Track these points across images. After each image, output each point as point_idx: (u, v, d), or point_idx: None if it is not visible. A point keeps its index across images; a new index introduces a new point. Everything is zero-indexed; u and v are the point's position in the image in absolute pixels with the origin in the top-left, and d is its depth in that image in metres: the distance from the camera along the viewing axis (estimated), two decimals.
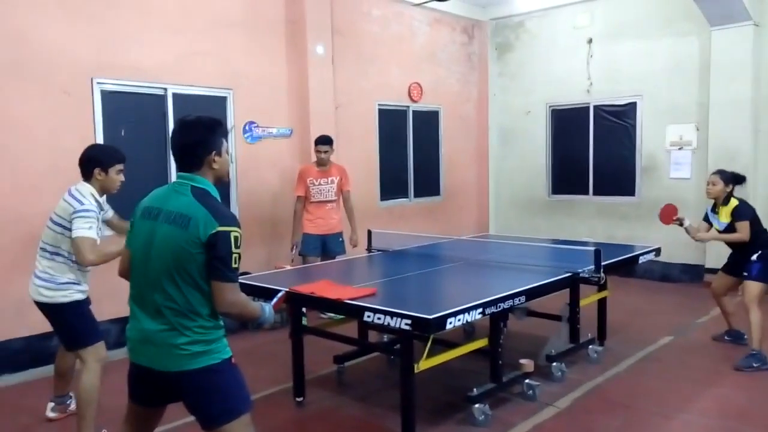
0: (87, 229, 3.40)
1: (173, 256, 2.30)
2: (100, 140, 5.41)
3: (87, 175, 3.63)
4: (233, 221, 2.36)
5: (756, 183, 7.18)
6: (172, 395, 2.43)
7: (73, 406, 4.05)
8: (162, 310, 2.33)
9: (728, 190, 5.14)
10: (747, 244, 5.00)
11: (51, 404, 4.11)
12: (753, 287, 4.91)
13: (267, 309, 2.56)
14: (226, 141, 2.57)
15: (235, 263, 2.34)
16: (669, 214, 5.34)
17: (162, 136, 5.86)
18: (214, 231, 2.28)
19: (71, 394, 4.10)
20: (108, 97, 5.49)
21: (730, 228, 5.10)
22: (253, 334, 5.73)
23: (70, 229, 3.44)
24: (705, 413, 4.07)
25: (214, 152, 2.47)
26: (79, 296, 3.61)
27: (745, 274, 4.99)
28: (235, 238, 2.33)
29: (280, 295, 2.86)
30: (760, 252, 4.94)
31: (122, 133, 5.58)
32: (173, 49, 5.89)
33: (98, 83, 5.42)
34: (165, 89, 5.85)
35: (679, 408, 4.12)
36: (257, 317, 2.52)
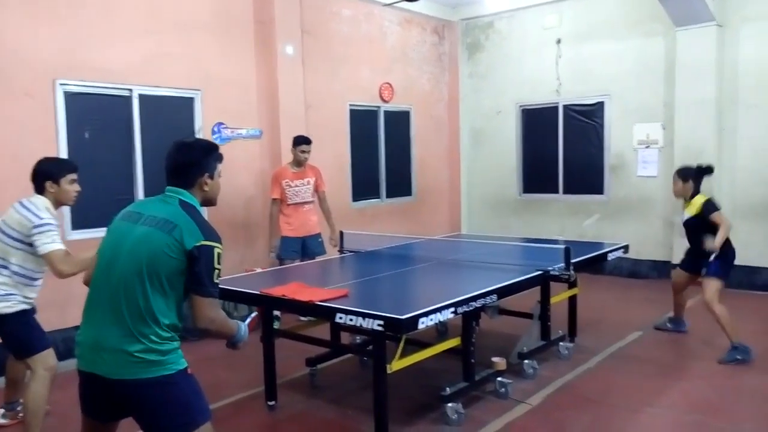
0: (51, 242, 3.39)
1: (148, 257, 2.28)
2: (63, 143, 5.30)
3: (39, 190, 3.60)
4: (217, 238, 2.38)
5: (720, 180, 7.34)
6: (123, 408, 2.35)
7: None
8: (121, 312, 2.27)
9: (690, 186, 5.22)
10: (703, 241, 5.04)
11: (1, 411, 4.09)
12: (712, 285, 4.98)
13: (243, 328, 2.56)
14: (220, 165, 2.59)
15: (216, 278, 2.34)
16: None
17: (128, 138, 5.76)
18: (198, 243, 2.29)
19: (21, 400, 4.04)
20: (71, 98, 5.37)
21: (693, 221, 5.17)
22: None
23: (26, 243, 3.44)
24: (672, 407, 4.14)
25: (206, 174, 2.51)
26: (24, 306, 3.58)
27: (704, 270, 5.08)
28: (218, 254, 2.35)
29: (253, 315, 2.84)
30: (718, 252, 4.98)
31: (86, 136, 5.47)
32: (139, 49, 5.79)
33: (61, 84, 5.29)
34: (131, 90, 5.74)
35: (647, 402, 4.19)
36: (234, 335, 2.52)
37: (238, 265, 6.18)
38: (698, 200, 5.16)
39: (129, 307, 2.27)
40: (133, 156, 5.80)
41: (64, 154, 5.29)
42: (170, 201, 2.43)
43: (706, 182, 5.37)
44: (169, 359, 2.31)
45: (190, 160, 2.49)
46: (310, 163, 6.34)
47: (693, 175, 5.24)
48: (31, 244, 3.44)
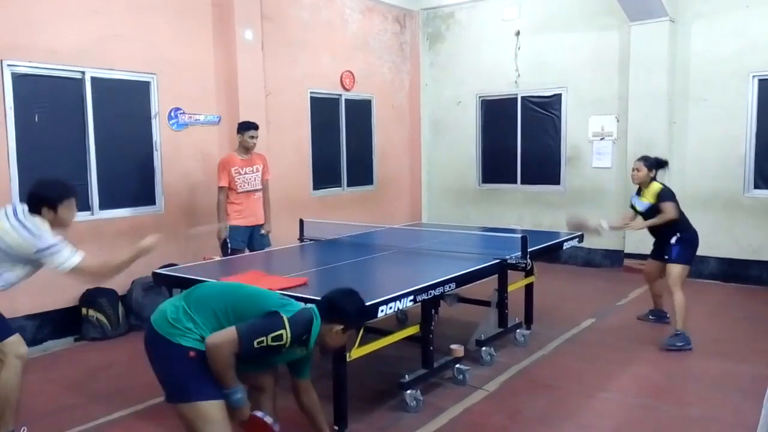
0: (68, 259, 3.24)
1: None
2: (11, 126, 5.10)
3: (35, 210, 3.36)
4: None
5: (671, 172, 7.52)
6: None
7: None
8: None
9: (652, 175, 5.38)
10: (667, 230, 5.23)
11: None
12: (674, 269, 5.14)
13: (240, 392, 2.77)
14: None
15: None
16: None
17: (80, 122, 5.59)
18: None
19: None
20: (20, 80, 5.17)
21: (651, 209, 5.30)
22: None
23: (19, 257, 3.28)
24: (623, 391, 4.27)
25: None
26: None
27: (666, 257, 5.24)
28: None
29: (266, 421, 2.94)
30: (678, 235, 5.19)
31: (36, 119, 5.28)
32: (92, 30, 5.60)
33: (9, 66, 5.09)
34: (83, 73, 5.56)
35: (599, 387, 4.31)
36: (226, 388, 2.75)
37: (197, 253, 6.08)
38: (655, 187, 5.30)
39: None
40: (86, 141, 5.63)
41: (11, 138, 5.11)
42: None
43: (659, 174, 5.54)
44: (181, 334, 2.73)
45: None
46: (260, 151, 6.19)
47: (654, 166, 5.41)
48: (28, 260, 3.29)
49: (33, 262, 3.31)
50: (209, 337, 2.66)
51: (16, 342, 3.48)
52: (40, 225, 3.28)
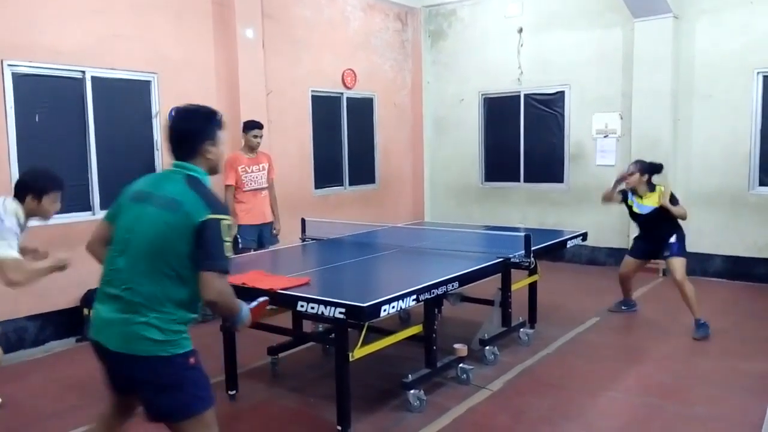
0: (7, 248, 3.25)
1: (155, 240, 2.30)
2: (11, 126, 5.09)
3: (19, 198, 3.46)
4: (224, 210, 2.38)
5: (675, 169, 7.53)
6: (131, 382, 2.40)
7: None
8: (128, 292, 2.30)
9: (645, 179, 5.45)
10: (668, 228, 5.39)
11: None
12: (678, 263, 5.30)
13: (245, 308, 2.55)
14: (221, 132, 2.55)
15: (227, 251, 2.32)
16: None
17: (80, 122, 5.56)
18: (205, 218, 2.28)
19: None
20: (20, 80, 5.15)
21: (654, 213, 5.41)
22: None
23: None
24: (628, 390, 4.24)
25: (208, 141, 2.49)
26: None
27: (667, 253, 5.36)
28: (227, 225, 2.34)
29: (260, 300, 2.78)
30: (676, 233, 5.38)
31: (36, 119, 5.26)
32: (93, 30, 5.58)
33: (9, 66, 5.07)
34: (83, 72, 5.54)
35: (604, 386, 4.28)
36: (236, 314, 2.50)
37: None
38: (659, 191, 5.42)
39: (135, 289, 2.29)
40: (87, 141, 5.61)
41: (12, 138, 5.09)
42: (176, 177, 2.42)
43: (661, 174, 5.57)
44: (166, 342, 2.31)
45: (191, 128, 2.48)
46: (262, 150, 6.21)
47: (648, 171, 5.49)
48: None
49: None
50: (206, 296, 2.27)
51: None
52: (9, 209, 3.34)
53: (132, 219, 2.39)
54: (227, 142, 6.61)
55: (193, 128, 2.48)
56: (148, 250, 2.31)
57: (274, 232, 6.21)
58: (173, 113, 2.55)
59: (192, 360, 2.39)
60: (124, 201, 2.49)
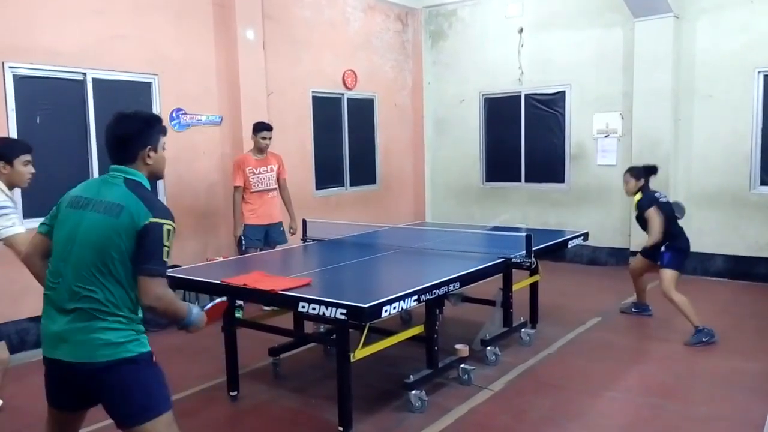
0: (11, 226, 3.22)
1: (100, 246, 2.23)
2: (13, 128, 5.09)
3: None
4: (167, 214, 2.32)
5: (676, 169, 7.53)
6: (90, 395, 2.32)
7: None
8: (81, 301, 2.24)
9: (641, 184, 5.43)
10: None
11: None
12: (667, 274, 5.20)
13: (194, 311, 2.45)
14: (164, 137, 2.49)
15: (166, 257, 2.27)
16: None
17: (81, 123, 5.57)
18: (146, 222, 2.23)
19: None
20: (21, 82, 5.16)
21: (640, 218, 5.41)
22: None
23: None
24: (630, 391, 4.24)
25: (149, 147, 2.41)
26: None
27: (659, 262, 5.30)
28: (168, 231, 2.28)
29: (216, 301, 2.70)
30: (667, 243, 5.26)
31: (37, 121, 5.27)
32: (93, 31, 5.58)
33: (10, 68, 5.07)
34: (84, 74, 5.55)
35: (605, 386, 4.28)
36: (182, 318, 2.41)
37: (201, 254, 6.08)
38: (636, 198, 5.42)
39: (88, 297, 2.24)
40: (88, 143, 5.61)
41: None
42: (115, 181, 2.34)
43: (662, 172, 5.55)
44: (133, 341, 2.28)
45: (130, 132, 2.39)
46: (272, 151, 6.25)
47: (643, 174, 5.47)
48: None
49: None
50: (144, 301, 2.25)
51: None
52: None
53: (72, 227, 2.30)
54: (228, 143, 6.69)
55: (133, 133, 2.39)
56: (93, 257, 2.23)
57: (291, 231, 6.26)
58: (113, 117, 2.45)
59: (153, 358, 2.36)
60: (60, 210, 2.39)
